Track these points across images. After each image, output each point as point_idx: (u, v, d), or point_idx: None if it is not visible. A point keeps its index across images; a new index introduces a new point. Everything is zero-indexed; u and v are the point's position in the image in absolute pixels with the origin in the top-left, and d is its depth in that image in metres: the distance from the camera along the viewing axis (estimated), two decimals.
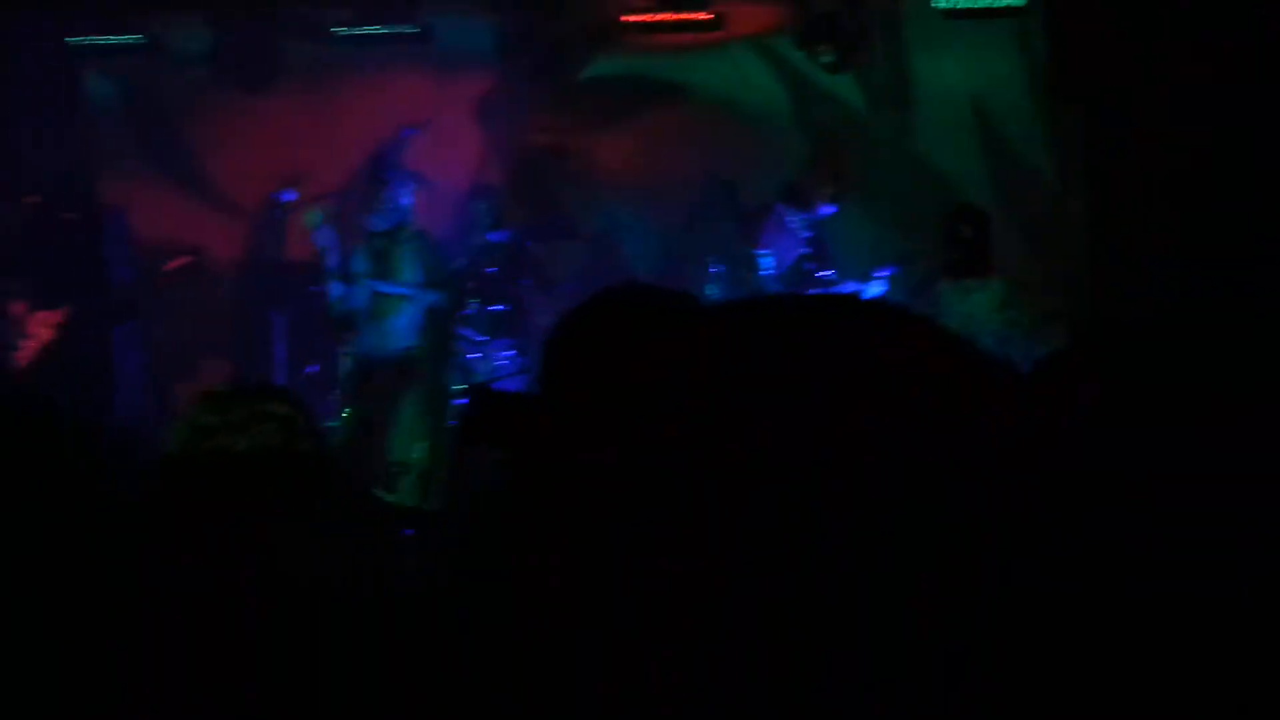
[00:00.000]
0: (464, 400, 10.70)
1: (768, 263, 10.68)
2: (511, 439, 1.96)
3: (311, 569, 2.85)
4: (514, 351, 10.89)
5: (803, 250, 10.80)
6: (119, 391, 10.76)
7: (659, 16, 11.84)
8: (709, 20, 11.91)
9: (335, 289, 9.65)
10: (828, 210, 10.78)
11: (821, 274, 10.58)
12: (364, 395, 9.58)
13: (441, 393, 10.00)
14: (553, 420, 2.05)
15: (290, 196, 10.49)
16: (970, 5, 11.67)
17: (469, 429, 2.08)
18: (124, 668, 2.48)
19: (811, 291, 10.31)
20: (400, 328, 9.71)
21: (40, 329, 10.25)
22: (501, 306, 10.96)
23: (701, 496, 1.43)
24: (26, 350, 10.24)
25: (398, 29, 11.99)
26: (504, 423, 1.96)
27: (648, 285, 2.58)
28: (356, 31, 12.00)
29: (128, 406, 10.78)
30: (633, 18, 11.88)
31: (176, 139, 12.47)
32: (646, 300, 2.41)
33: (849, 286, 10.39)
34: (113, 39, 12.15)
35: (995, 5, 11.69)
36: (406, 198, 9.60)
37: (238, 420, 2.94)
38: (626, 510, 1.67)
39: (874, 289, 10.16)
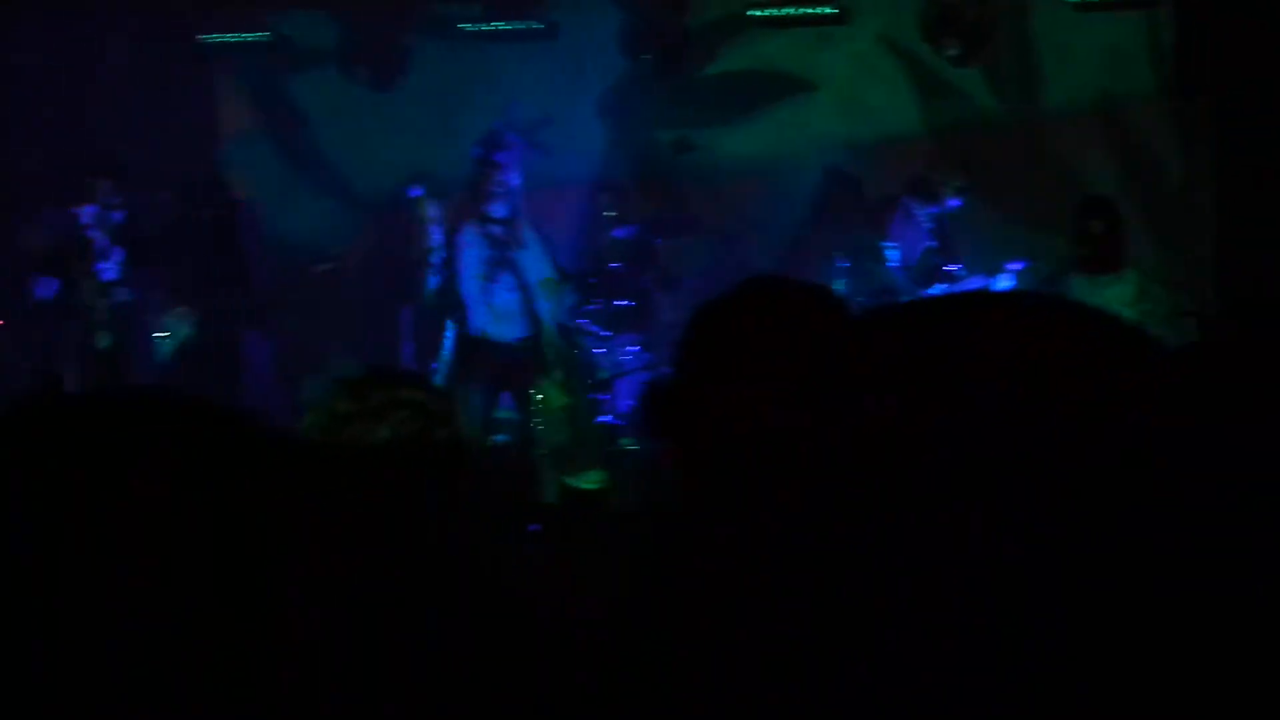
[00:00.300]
0: (600, 393, 10.73)
1: (894, 255, 10.62)
2: (679, 434, 1.97)
3: (450, 556, 2.86)
4: (638, 347, 10.88)
5: (929, 244, 10.73)
6: (248, 386, 10.87)
7: (785, 10, 11.82)
8: (835, 14, 11.87)
9: (434, 279, 9.67)
10: (955, 203, 10.71)
11: (948, 268, 10.50)
12: (465, 379, 9.52)
13: (576, 382, 9.99)
14: (699, 414, 2.05)
15: (418, 192, 10.54)
16: None
17: (648, 424, 2.09)
18: (268, 652, 2.50)
19: (940, 287, 10.26)
20: (515, 315, 9.68)
21: (179, 325, 10.39)
22: (626, 302, 10.95)
23: (770, 496, 1.44)
24: (166, 344, 10.40)
25: (524, 25, 12.07)
26: (676, 417, 1.96)
27: (787, 278, 2.56)
28: (483, 27, 12.08)
29: (256, 401, 10.89)
30: (759, 11, 11.87)
31: (305, 135, 12.60)
32: (786, 293, 2.40)
33: (976, 280, 10.31)
34: (242, 36, 12.31)
35: None
36: (517, 179, 9.58)
37: (375, 407, 2.95)
38: (722, 509, 1.68)
39: (1002, 283, 10.08)
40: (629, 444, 10.35)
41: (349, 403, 2.95)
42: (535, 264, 9.52)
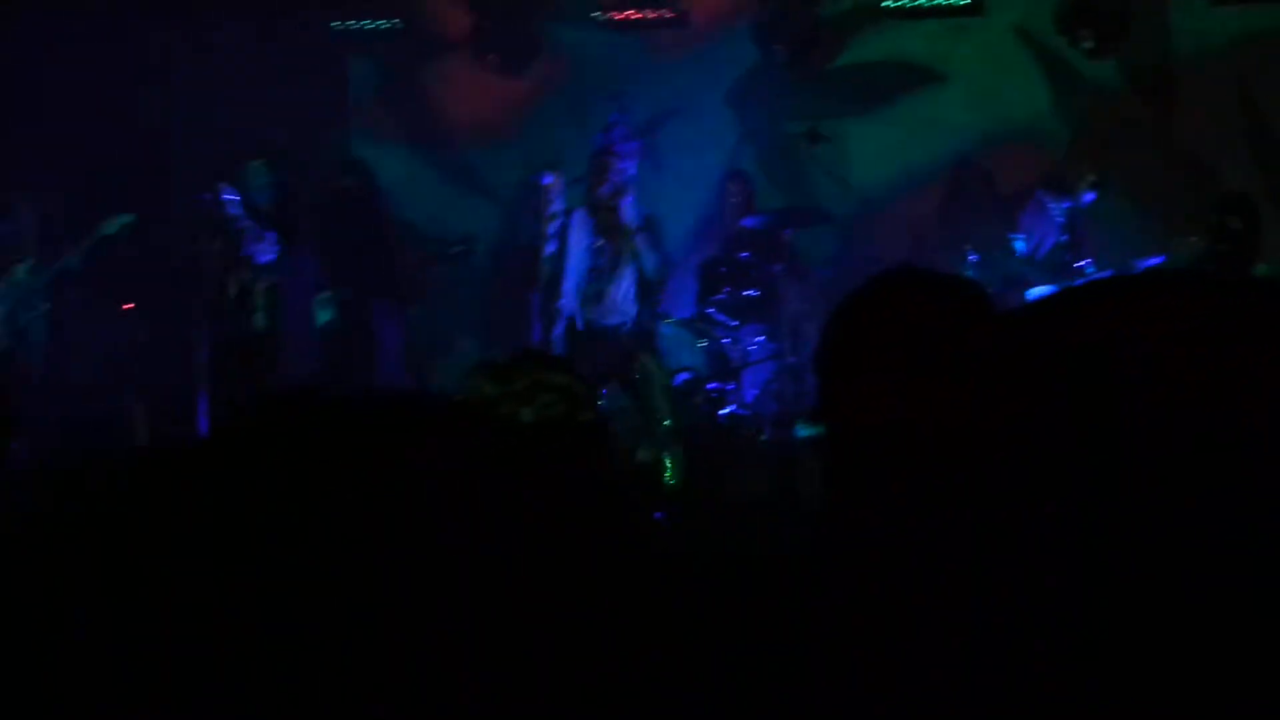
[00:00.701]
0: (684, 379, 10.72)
1: (1020, 246, 10.55)
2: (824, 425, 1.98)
3: (601, 538, 2.87)
4: (764, 337, 10.87)
5: (1060, 238, 10.65)
6: (379, 368, 10.96)
7: (919, 0, 11.78)
8: (969, 4, 11.81)
9: (550, 245, 9.72)
10: (1090, 197, 10.61)
11: (1078, 264, 10.42)
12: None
13: (666, 371, 9.98)
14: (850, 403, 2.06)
15: (549, 179, 10.60)
16: None
17: (811, 415, 2.12)
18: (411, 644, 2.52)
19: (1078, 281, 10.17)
20: (618, 300, 9.71)
21: (324, 308, 10.50)
22: (754, 292, 10.94)
23: (881, 488, 1.46)
24: (312, 327, 10.52)
25: (655, 13, 12.10)
26: (819, 409, 1.97)
27: (921, 269, 2.55)
28: (615, 15, 12.13)
29: (387, 383, 10.97)
30: (892, 2, 11.83)
31: (436, 121, 12.68)
32: (915, 285, 2.39)
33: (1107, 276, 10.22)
34: (374, 23, 12.42)
35: None
36: (633, 169, 9.62)
37: (520, 390, 2.97)
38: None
39: None
40: (757, 434, 10.35)
41: (495, 385, 2.98)
42: (643, 256, 9.55)
